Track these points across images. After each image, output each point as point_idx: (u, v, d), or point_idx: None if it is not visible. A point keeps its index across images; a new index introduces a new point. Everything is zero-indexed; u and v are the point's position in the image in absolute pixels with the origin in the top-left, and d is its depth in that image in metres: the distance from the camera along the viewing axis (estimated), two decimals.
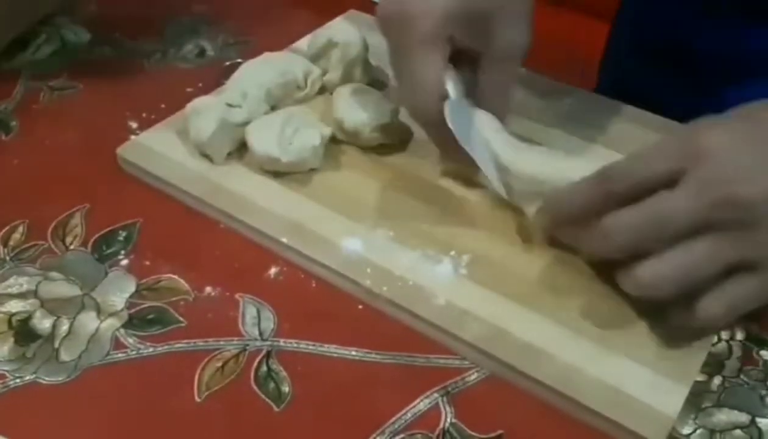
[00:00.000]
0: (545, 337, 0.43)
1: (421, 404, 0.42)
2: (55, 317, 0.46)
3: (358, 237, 0.49)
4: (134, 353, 0.44)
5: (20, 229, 0.51)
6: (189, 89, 0.62)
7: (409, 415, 0.41)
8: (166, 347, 0.44)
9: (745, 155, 0.41)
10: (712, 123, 0.43)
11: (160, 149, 0.55)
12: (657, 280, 0.40)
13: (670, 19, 0.67)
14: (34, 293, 0.47)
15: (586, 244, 0.45)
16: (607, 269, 0.45)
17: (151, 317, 0.46)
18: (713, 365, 0.43)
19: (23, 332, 0.45)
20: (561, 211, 0.45)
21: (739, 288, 0.41)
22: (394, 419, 0.41)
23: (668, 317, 0.43)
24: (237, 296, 0.47)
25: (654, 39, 0.69)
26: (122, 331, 0.45)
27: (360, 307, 0.47)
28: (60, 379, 0.43)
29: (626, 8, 0.76)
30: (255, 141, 0.52)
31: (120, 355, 0.44)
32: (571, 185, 0.44)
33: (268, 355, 0.44)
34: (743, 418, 0.41)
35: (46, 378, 0.43)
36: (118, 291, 0.47)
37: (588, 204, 0.43)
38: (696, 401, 0.42)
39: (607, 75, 0.78)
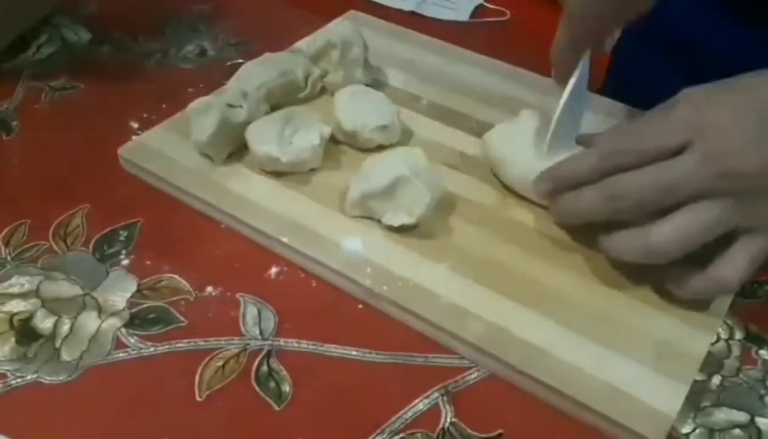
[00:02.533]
0: (545, 336, 0.43)
1: (421, 404, 0.42)
2: (56, 317, 0.46)
3: (359, 237, 0.49)
4: (135, 352, 0.44)
5: (22, 229, 0.51)
6: (190, 89, 0.62)
7: (409, 414, 0.41)
8: (167, 346, 0.44)
9: (748, 129, 0.42)
10: (714, 95, 0.44)
11: (161, 149, 0.55)
12: (666, 244, 0.42)
13: (682, 17, 0.67)
14: (36, 293, 0.47)
15: (583, 207, 0.45)
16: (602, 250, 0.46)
17: (152, 316, 0.46)
18: (712, 364, 0.44)
19: (24, 331, 0.45)
20: (565, 178, 0.46)
21: (748, 249, 0.43)
22: (394, 418, 0.41)
23: (680, 286, 0.44)
24: (238, 295, 0.47)
25: (664, 37, 0.69)
26: (123, 331, 0.45)
27: (360, 307, 0.47)
28: (61, 379, 0.43)
29: None
30: (255, 141, 0.52)
31: (121, 354, 0.44)
32: (576, 155, 0.46)
33: (268, 354, 0.44)
34: (742, 417, 0.41)
35: (48, 378, 0.43)
36: (119, 291, 0.47)
37: (592, 174, 0.45)
38: (695, 401, 0.42)
39: (616, 74, 0.78)
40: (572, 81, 0.50)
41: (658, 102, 0.50)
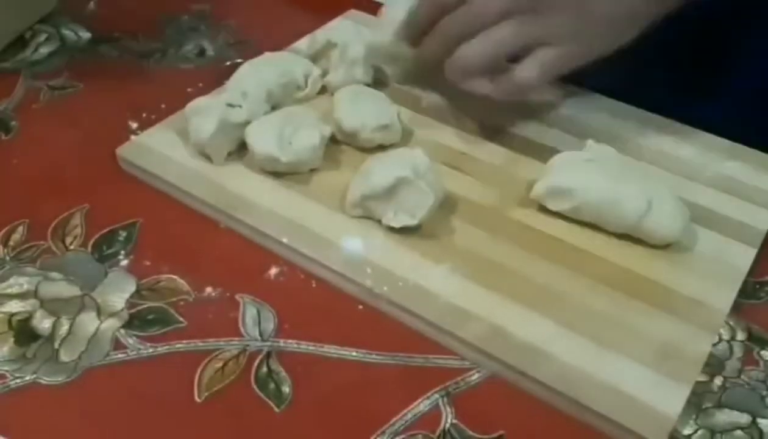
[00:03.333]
0: (546, 337, 0.43)
1: (422, 405, 0.42)
2: (55, 318, 0.46)
3: (359, 237, 0.49)
4: (134, 353, 0.44)
5: (20, 229, 0.51)
6: (189, 89, 0.62)
7: (409, 415, 0.41)
8: (166, 347, 0.44)
9: None
10: None
11: (160, 149, 0.55)
12: (470, 57, 0.51)
13: None
14: (34, 294, 0.47)
15: (425, 47, 0.55)
16: None
17: (151, 317, 0.46)
18: (714, 365, 0.43)
19: (23, 332, 0.45)
20: (412, 23, 0.56)
21: (543, 55, 0.51)
22: (394, 419, 0.41)
23: (490, 88, 0.52)
24: (237, 296, 0.47)
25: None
26: (122, 331, 0.45)
27: (360, 307, 0.47)
28: (60, 379, 0.43)
29: None
30: (255, 141, 0.52)
31: (120, 355, 0.44)
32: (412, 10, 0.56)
33: (268, 355, 0.44)
34: (744, 418, 0.41)
35: (46, 378, 0.43)
36: (118, 291, 0.47)
37: (427, 16, 0.55)
38: (697, 402, 0.42)
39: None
40: None
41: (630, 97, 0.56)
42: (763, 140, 0.56)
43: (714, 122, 0.57)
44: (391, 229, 0.49)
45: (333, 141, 0.55)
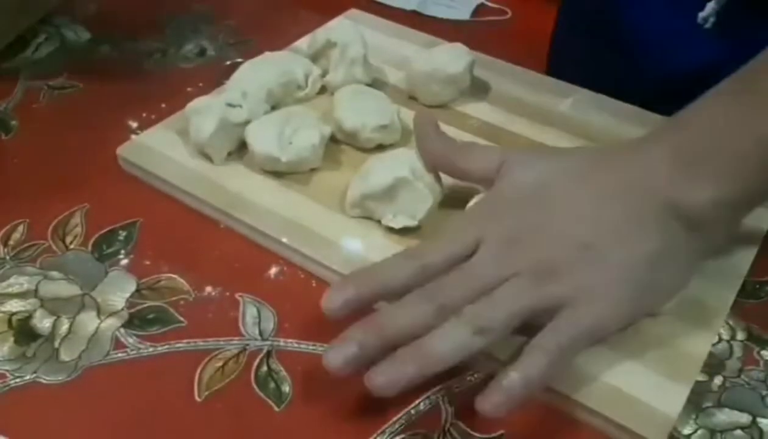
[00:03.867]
0: None
1: (422, 404, 0.42)
2: (55, 317, 0.46)
3: (359, 237, 0.49)
4: (134, 352, 0.44)
5: (20, 228, 0.51)
6: (189, 89, 0.62)
7: (409, 415, 0.41)
8: (166, 346, 0.44)
9: (519, 213, 0.44)
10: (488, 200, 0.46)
11: (160, 149, 0.55)
12: (489, 322, 0.40)
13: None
14: (34, 293, 0.47)
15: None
16: None
17: (151, 316, 0.46)
18: (714, 365, 0.43)
19: (23, 331, 0.45)
20: (378, 285, 0.43)
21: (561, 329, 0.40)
22: (394, 419, 0.41)
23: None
24: (237, 295, 0.47)
25: (586, 13, 0.70)
26: (122, 331, 0.45)
27: None
28: (60, 379, 0.43)
29: None
30: (255, 141, 0.52)
31: (120, 354, 0.44)
32: (384, 260, 0.44)
33: (268, 355, 0.44)
34: (744, 418, 0.41)
35: (46, 378, 0.43)
36: (118, 291, 0.47)
37: (406, 278, 0.42)
38: (697, 401, 0.42)
39: (555, 56, 0.78)
40: None
41: (598, 79, 0.52)
42: None
43: None
44: (391, 229, 0.49)
45: (333, 141, 0.55)
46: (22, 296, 0.47)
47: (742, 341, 0.45)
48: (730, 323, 0.46)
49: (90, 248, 0.50)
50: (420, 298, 0.41)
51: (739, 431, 0.41)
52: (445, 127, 0.58)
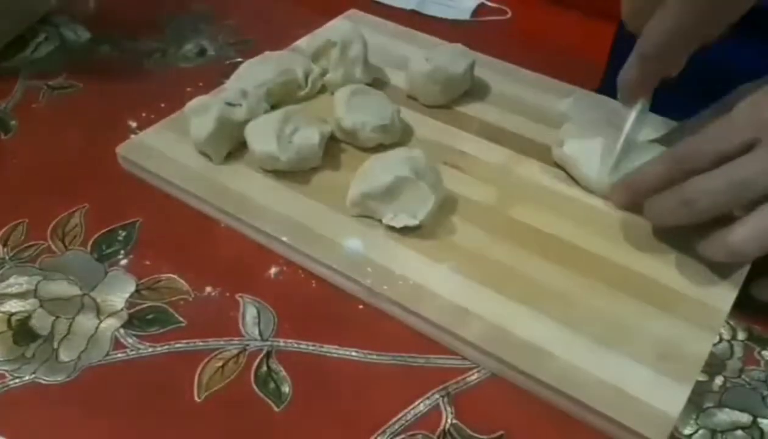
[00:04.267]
0: (546, 336, 0.43)
1: (422, 405, 0.42)
2: (54, 317, 0.46)
3: (359, 236, 0.49)
4: (134, 353, 0.44)
5: (20, 228, 0.51)
6: (189, 88, 0.62)
7: (409, 416, 0.41)
8: (165, 347, 0.44)
9: None
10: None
11: (159, 148, 0.55)
12: (744, 244, 0.42)
13: None
14: (34, 293, 0.47)
15: (664, 214, 0.46)
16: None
17: (150, 316, 0.46)
18: (715, 365, 0.43)
19: (22, 331, 0.45)
20: (638, 188, 0.47)
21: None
22: (394, 419, 0.41)
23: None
24: (237, 295, 0.47)
25: None
26: (122, 331, 0.45)
27: (360, 307, 0.46)
28: (59, 379, 0.42)
29: None
30: (255, 140, 0.52)
31: (119, 355, 0.44)
32: (644, 165, 0.47)
33: (268, 355, 0.44)
34: (745, 418, 0.41)
35: (46, 378, 0.42)
36: (118, 291, 0.47)
37: (664, 181, 0.45)
38: (697, 402, 0.42)
39: (612, 74, 0.77)
40: (638, 106, 0.51)
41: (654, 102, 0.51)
42: None
43: None
44: (391, 228, 0.49)
45: (333, 140, 0.55)
46: (21, 296, 0.47)
47: (742, 341, 0.45)
48: (731, 323, 0.46)
49: (89, 248, 0.50)
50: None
51: (739, 432, 0.41)
52: (445, 127, 0.58)
